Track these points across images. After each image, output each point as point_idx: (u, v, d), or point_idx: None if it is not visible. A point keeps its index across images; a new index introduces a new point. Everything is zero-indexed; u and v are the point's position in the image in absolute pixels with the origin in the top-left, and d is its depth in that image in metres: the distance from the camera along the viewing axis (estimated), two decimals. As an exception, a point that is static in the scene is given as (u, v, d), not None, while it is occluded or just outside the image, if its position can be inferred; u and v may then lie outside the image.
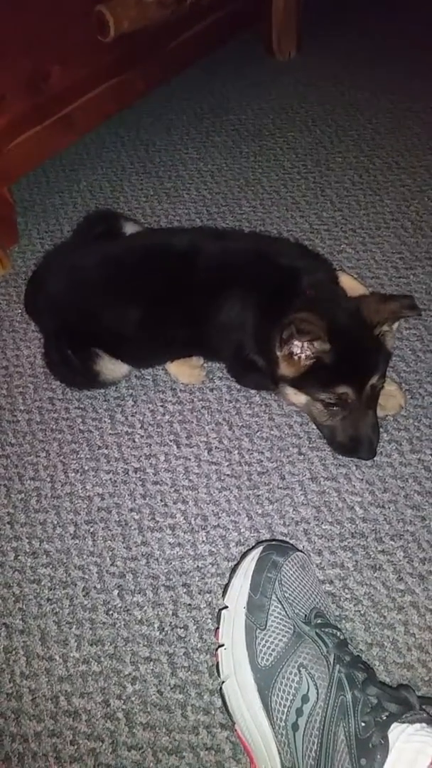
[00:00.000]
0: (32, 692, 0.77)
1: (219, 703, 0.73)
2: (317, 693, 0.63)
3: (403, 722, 0.59)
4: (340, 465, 0.95)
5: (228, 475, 0.96)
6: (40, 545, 0.90)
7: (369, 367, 0.89)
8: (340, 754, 0.59)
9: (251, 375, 1.03)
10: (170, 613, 0.82)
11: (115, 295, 1.03)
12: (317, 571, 0.84)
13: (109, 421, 1.04)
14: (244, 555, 0.76)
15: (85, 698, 0.76)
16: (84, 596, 0.84)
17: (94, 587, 0.85)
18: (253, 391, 1.06)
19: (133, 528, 0.91)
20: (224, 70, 1.83)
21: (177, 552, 0.88)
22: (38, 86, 1.22)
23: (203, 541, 0.89)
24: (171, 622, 0.81)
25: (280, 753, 0.63)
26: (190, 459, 0.98)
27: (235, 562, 0.82)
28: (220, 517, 0.91)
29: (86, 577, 0.86)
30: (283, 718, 0.63)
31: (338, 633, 0.68)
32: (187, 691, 0.76)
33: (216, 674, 0.73)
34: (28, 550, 0.89)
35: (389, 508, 0.90)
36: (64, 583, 0.86)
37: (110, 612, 0.83)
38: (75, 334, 1.04)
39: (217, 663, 0.71)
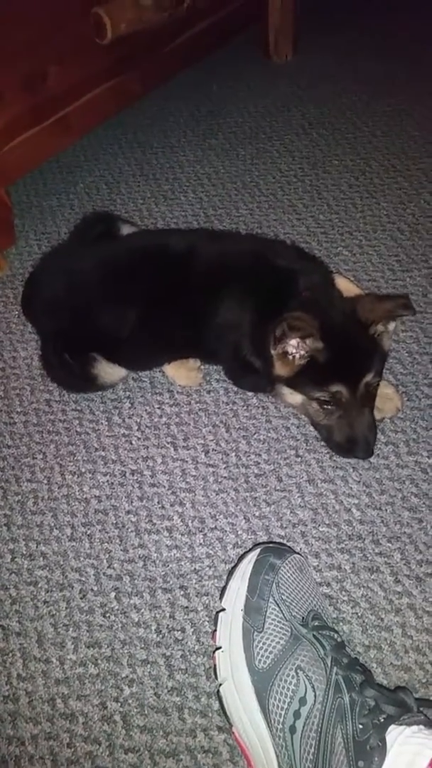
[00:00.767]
0: (29, 695, 0.77)
1: (216, 705, 0.73)
2: (315, 695, 0.63)
3: (401, 724, 0.59)
4: (337, 467, 0.96)
5: (225, 477, 0.96)
6: (36, 547, 0.90)
7: (363, 366, 0.89)
8: (337, 756, 0.59)
9: (248, 377, 1.03)
10: (167, 615, 0.82)
11: (112, 296, 1.03)
12: (314, 573, 0.84)
13: (106, 423, 1.04)
14: (241, 557, 0.76)
15: (82, 701, 0.76)
16: (81, 598, 0.84)
17: (91, 589, 0.85)
18: (250, 394, 1.06)
19: (130, 530, 0.91)
20: (221, 73, 1.83)
21: (174, 554, 0.88)
22: (36, 87, 1.22)
23: (200, 544, 0.89)
24: (168, 625, 0.81)
25: (277, 755, 0.63)
26: (187, 461, 0.98)
27: (232, 565, 0.82)
28: (217, 520, 0.91)
29: (83, 579, 0.86)
30: (281, 720, 0.63)
31: (336, 635, 0.69)
32: (185, 693, 0.76)
33: (213, 677, 0.73)
34: (24, 552, 0.89)
35: (386, 510, 0.90)
36: (61, 586, 0.85)
37: (107, 614, 0.83)
38: (72, 337, 1.04)
39: (215, 665, 0.71)
